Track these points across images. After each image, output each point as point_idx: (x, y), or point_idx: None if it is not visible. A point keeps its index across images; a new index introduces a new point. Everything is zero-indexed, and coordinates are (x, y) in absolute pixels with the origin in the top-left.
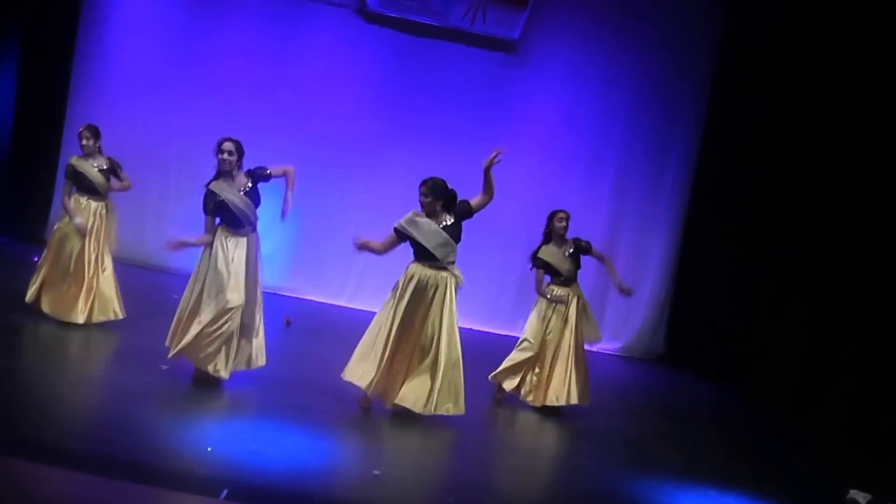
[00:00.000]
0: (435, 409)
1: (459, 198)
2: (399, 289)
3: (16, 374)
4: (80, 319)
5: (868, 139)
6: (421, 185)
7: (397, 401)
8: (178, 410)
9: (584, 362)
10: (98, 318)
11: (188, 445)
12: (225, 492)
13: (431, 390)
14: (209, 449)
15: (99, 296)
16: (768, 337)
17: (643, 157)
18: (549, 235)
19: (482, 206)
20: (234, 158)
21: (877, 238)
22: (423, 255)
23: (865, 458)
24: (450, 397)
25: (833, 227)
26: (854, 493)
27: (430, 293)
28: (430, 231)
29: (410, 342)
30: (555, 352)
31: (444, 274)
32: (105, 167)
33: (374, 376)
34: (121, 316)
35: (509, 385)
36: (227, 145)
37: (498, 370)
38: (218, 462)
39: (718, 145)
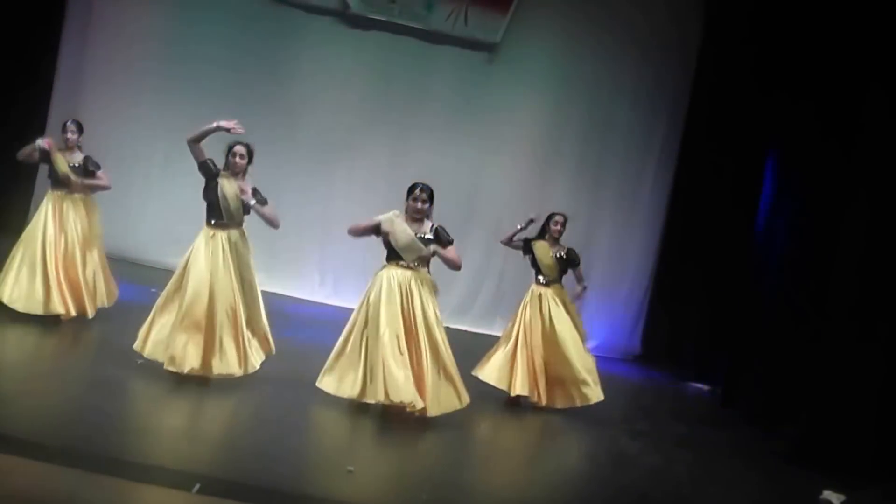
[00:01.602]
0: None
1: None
2: (368, 292)
3: None
4: (60, 310)
5: (851, 140)
6: (418, 190)
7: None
8: (153, 404)
9: (563, 363)
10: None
11: (162, 439)
12: (198, 486)
13: (433, 391)
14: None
15: (72, 288)
16: (744, 338)
17: (623, 158)
18: (543, 235)
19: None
20: (244, 162)
21: (855, 238)
22: (392, 255)
23: (840, 459)
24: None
25: (810, 228)
26: (827, 494)
27: (400, 294)
28: (404, 234)
29: (381, 342)
30: (526, 345)
31: (413, 274)
32: (77, 165)
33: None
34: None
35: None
36: (239, 149)
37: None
38: (191, 456)
39: (698, 147)
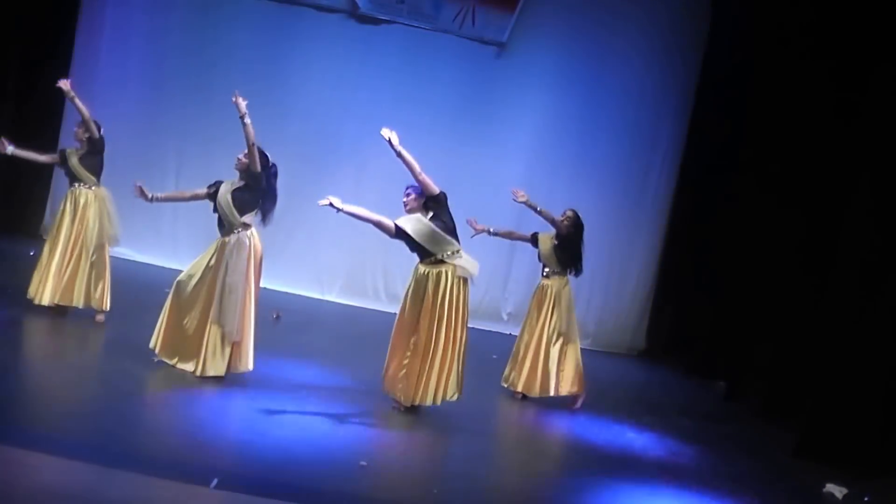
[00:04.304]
0: (437, 400)
1: (449, 196)
2: (406, 289)
3: (12, 364)
4: (45, 301)
5: (852, 140)
6: (406, 188)
7: (389, 390)
8: (170, 401)
9: (565, 354)
10: (63, 301)
11: (179, 435)
12: (215, 481)
13: (418, 383)
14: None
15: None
16: (748, 333)
17: (629, 157)
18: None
19: (421, 185)
20: (237, 163)
21: (858, 234)
22: (422, 252)
23: (843, 453)
24: (452, 386)
25: (813, 226)
26: (830, 487)
27: (433, 289)
28: (419, 226)
29: (415, 338)
30: (535, 344)
31: (443, 269)
32: (83, 152)
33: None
34: (102, 307)
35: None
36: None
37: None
38: (208, 452)
39: (702, 145)
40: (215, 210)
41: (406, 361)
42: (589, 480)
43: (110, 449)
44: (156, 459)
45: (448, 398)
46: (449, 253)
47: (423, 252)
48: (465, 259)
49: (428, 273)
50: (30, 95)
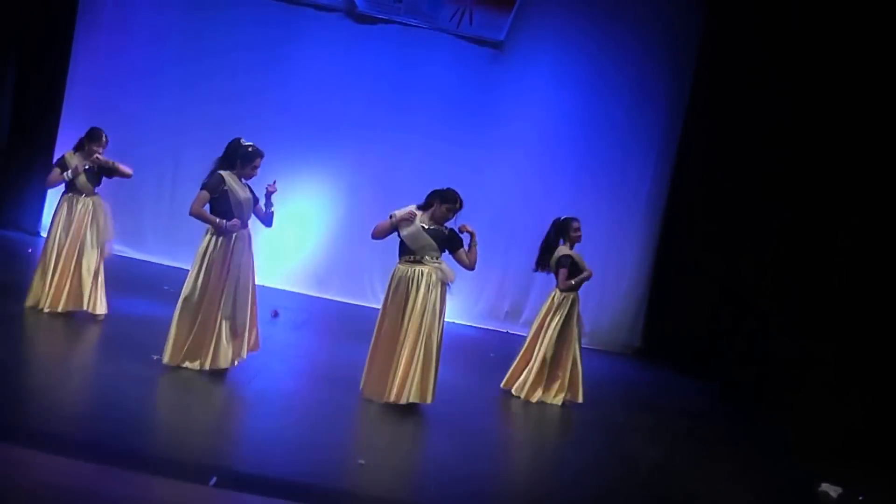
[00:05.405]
0: (400, 398)
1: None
2: (386, 288)
3: (11, 362)
4: (44, 306)
5: (845, 140)
6: (458, 205)
7: (367, 394)
8: (169, 399)
9: (575, 360)
10: (67, 307)
11: (178, 433)
12: (214, 479)
13: (401, 379)
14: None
15: (70, 286)
16: (743, 333)
17: (624, 155)
18: (562, 239)
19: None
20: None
21: (849, 235)
22: (403, 250)
23: (837, 452)
24: (418, 387)
25: (806, 225)
26: (825, 487)
27: (408, 288)
28: (414, 232)
29: (394, 337)
30: (554, 350)
31: (423, 268)
32: (89, 167)
33: (364, 375)
34: (95, 311)
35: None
36: (259, 162)
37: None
38: (207, 450)
39: (697, 145)
40: (219, 206)
41: (378, 357)
42: (584, 478)
43: (110, 447)
44: (155, 458)
45: (415, 399)
46: (428, 257)
47: (405, 250)
48: (444, 265)
49: (404, 272)
50: (29, 93)
